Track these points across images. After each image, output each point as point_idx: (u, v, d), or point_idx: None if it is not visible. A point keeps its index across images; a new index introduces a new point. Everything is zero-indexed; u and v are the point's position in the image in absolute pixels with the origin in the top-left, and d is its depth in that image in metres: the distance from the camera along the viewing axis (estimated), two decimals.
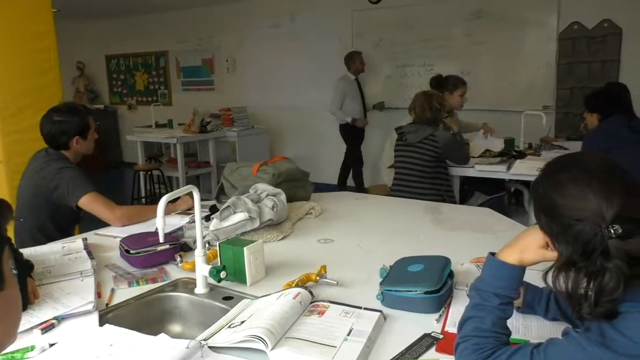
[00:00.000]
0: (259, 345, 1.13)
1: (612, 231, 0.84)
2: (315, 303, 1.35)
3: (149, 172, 6.19)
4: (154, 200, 5.78)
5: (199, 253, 1.49)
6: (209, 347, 1.16)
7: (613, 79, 4.79)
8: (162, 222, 1.32)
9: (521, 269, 1.02)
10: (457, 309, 1.31)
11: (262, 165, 2.36)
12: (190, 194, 1.45)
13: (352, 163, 5.94)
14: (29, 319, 1.32)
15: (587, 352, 0.81)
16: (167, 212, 2.30)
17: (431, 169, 3.18)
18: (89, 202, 2.19)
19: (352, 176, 6.01)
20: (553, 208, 0.93)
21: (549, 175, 0.97)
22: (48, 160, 2.29)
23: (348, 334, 1.19)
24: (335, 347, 1.13)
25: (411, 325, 1.26)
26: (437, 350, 1.15)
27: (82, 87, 9.15)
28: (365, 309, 1.31)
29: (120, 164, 8.91)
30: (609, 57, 4.99)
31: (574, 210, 0.89)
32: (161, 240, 1.35)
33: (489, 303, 1.00)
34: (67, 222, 2.31)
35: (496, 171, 3.38)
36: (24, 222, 2.28)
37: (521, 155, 3.60)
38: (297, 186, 2.38)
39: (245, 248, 1.53)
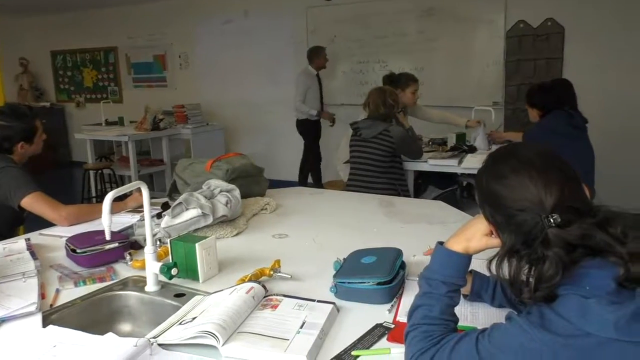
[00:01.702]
0: (210, 340, 1.11)
1: (551, 220, 0.88)
2: (269, 297, 1.34)
3: (100, 171, 6.00)
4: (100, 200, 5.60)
5: (148, 250, 1.45)
6: (159, 345, 1.14)
7: (557, 75, 4.98)
8: (108, 219, 1.28)
9: (467, 257, 1.05)
10: (409, 299, 1.32)
11: (215, 161, 2.32)
12: (139, 190, 1.42)
13: (312, 159, 5.94)
14: None
15: (527, 334, 0.84)
16: (117, 210, 2.24)
17: (386, 164, 3.22)
18: (32, 203, 2.10)
19: (309, 172, 6.02)
20: (496, 199, 0.96)
21: (492, 166, 1.00)
22: None
23: (301, 327, 1.18)
24: (288, 339, 1.13)
25: (364, 316, 1.27)
26: (388, 339, 1.16)
27: (27, 84, 8.76)
28: (318, 301, 1.31)
29: (69, 163, 8.60)
30: (553, 55, 5.19)
31: (516, 201, 0.92)
32: (108, 237, 1.31)
33: (437, 291, 1.02)
34: (9, 223, 2.20)
35: (448, 165, 3.46)
36: None
37: (472, 149, 3.69)
38: (252, 182, 2.36)
39: (197, 244, 1.50)
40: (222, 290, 1.39)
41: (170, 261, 1.54)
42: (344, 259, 1.50)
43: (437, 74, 5.76)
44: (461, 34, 5.60)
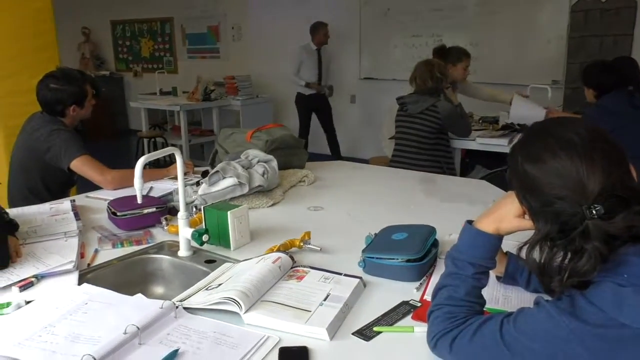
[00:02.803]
0: (233, 307, 1.12)
1: (593, 212, 0.79)
2: (296, 268, 1.33)
3: (153, 140, 6.18)
4: (156, 167, 5.77)
5: (181, 216, 1.47)
6: (184, 308, 1.16)
7: (626, 53, 4.66)
8: (139, 183, 1.30)
9: (497, 238, 0.99)
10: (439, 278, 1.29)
11: (255, 132, 2.32)
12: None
13: (299, 133, 5.89)
14: (8, 277, 1.32)
15: (555, 321, 0.79)
16: (160, 177, 2.29)
17: (432, 141, 3.13)
18: (80, 165, 2.18)
19: (307, 143, 5.92)
20: (531, 182, 0.87)
21: (527, 145, 0.91)
22: (43, 122, 2.27)
23: (325, 299, 1.17)
24: (310, 311, 1.12)
25: (390, 293, 1.24)
26: (413, 317, 1.13)
27: (88, 53, 9.08)
28: (345, 275, 1.29)
29: (126, 131, 8.90)
30: (622, 32, 4.84)
31: (553, 188, 0.83)
32: (139, 201, 1.34)
33: (463, 272, 0.98)
34: (60, 184, 2.30)
35: (498, 145, 3.33)
36: (16, 182, 2.28)
37: (524, 129, 3.52)
38: (291, 154, 2.35)
39: (229, 212, 1.51)
40: (250, 258, 1.39)
41: (204, 228, 1.56)
42: (375, 234, 1.47)
43: (494, 49, 5.51)
44: (522, 7, 5.31)
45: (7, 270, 1.35)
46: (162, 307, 1.12)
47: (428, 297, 1.21)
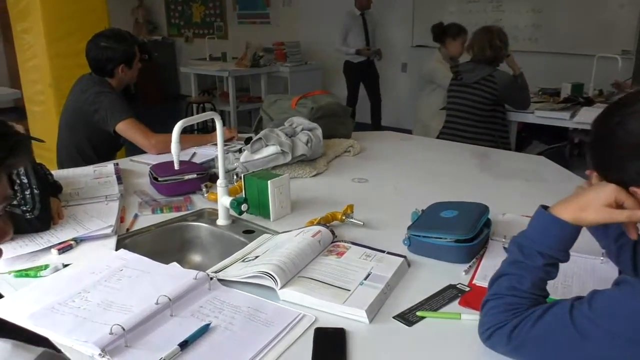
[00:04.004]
0: (268, 282, 1.06)
1: None
2: (336, 243, 1.27)
3: (202, 105, 6.22)
4: (204, 132, 5.82)
5: (221, 183, 1.43)
6: (219, 280, 1.11)
7: None
8: (176, 148, 1.25)
9: (576, 228, 0.85)
10: (491, 262, 1.19)
11: (301, 99, 2.24)
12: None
13: (347, 101, 5.71)
14: (48, 239, 1.32)
15: None
16: (204, 143, 2.27)
17: (486, 112, 2.96)
18: (126, 128, 2.18)
19: (354, 113, 5.75)
20: None
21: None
22: (91, 83, 2.27)
23: (365, 278, 1.10)
24: (349, 290, 1.05)
25: (437, 275, 1.15)
26: (460, 303, 1.04)
27: (141, 18, 9.17)
28: (388, 253, 1.22)
29: (177, 96, 9.01)
30: None
31: None
32: (176, 167, 1.29)
33: (531, 262, 0.86)
34: (106, 147, 2.31)
35: (559, 118, 3.11)
36: (64, 144, 2.31)
37: (589, 102, 3.28)
38: (337, 122, 2.26)
39: (269, 181, 1.45)
40: (289, 230, 1.33)
41: (243, 196, 1.51)
42: (422, 211, 1.38)
43: (558, 16, 5.14)
44: None
45: (48, 232, 1.35)
46: (196, 278, 1.08)
47: (478, 281, 1.12)
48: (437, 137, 3.05)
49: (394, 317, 1.00)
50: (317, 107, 2.19)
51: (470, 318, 0.98)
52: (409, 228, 1.27)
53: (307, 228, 1.29)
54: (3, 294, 1.12)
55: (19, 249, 1.26)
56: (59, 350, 0.89)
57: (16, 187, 1.34)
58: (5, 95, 4.36)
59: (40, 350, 0.59)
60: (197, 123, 6.19)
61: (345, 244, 1.25)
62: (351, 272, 1.12)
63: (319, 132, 1.96)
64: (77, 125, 2.24)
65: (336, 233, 1.31)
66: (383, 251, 1.22)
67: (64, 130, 2.30)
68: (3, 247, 1.26)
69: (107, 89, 2.25)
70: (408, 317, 0.99)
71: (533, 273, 0.86)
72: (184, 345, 0.89)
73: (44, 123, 3.22)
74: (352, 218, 1.40)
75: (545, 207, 0.89)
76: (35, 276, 1.16)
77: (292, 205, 1.54)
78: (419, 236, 1.24)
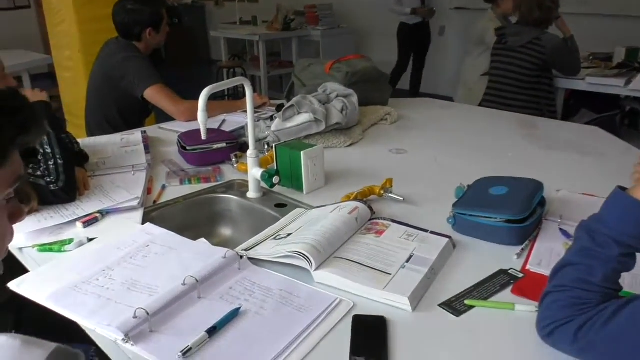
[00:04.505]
0: (302, 263, 0.99)
1: None
2: (375, 221, 1.17)
3: (232, 70, 6.12)
4: (235, 98, 5.75)
5: (251, 154, 1.34)
6: (249, 259, 1.04)
7: None
8: (203, 116, 1.17)
9: None
10: (545, 245, 1.09)
11: (335, 63, 2.12)
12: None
13: (396, 68, 5.45)
14: (74, 211, 1.27)
15: None
16: (233, 110, 2.18)
17: (532, 78, 2.77)
18: (154, 94, 2.11)
19: (393, 78, 5.50)
20: None
21: None
22: (118, 47, 2.20)
23: (407, 260, 1.01)
24: (390, 274, 0.96)
25: (485, 258, 1.05)
26: (513, 291, 0.94)
27: None
28: (432, 232, 1.12)
29: (207, 61, 8.93)
30: None
31: None
32: (203, 137, 1.21)
33: (605, 251, 0.75)
34: (135, 114, 2.25)
35: (611, 85, 2.90)
36: (92, 111, 2.26)
37: None
38: (373, 88, 2.14)
39: (302, 152, 1.36)
40: (324, 205, 1.25)
41: (274, 168, 1.43)
42: (469, 186, 1.26)
43: None
44: None
45: (73, 204, 1.30)
46: (225, 257, 1.01)
47: (532, 267, 1.01)
48: (480, 105, 2.88)
49: (439, 306, 0.91)
50: (352, 72, 2.06)
51: (526, 309, 0.88)
52: (454, 206, 1.17)
53: (343, 204, 1.20)
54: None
55: (43, 222, 1.21)
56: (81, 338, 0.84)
57: (40, 157, 1.29)
58: (38, 61, 4.35)
59: (53, 345, 0.53)
60: (228, 89, 6.11)
61: (385, 222, 1.16)
62: (391, 253, 1.03)
63: (355, 98, 1.85)
64: (105, 92, 2.18)
65: (374, 209, 1.21)
66: (426, 230, 1.12)
67: (92, 97, 2.25)
68: (27, 220, 1.23)
69: (134, 54, 2.17)
70: (455, 306, 0.90)
71: (606, 264, 0.75)
72: (212, 331, 0.83)
73: (74, 89, 3.19)
74: (391, 193, 1.30)
75: (622, 189, 0.77)
76: (59, 251, 1.12)
77: (326, 178, 1.45)
78: (466, 215, 1.14)
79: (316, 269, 0.98)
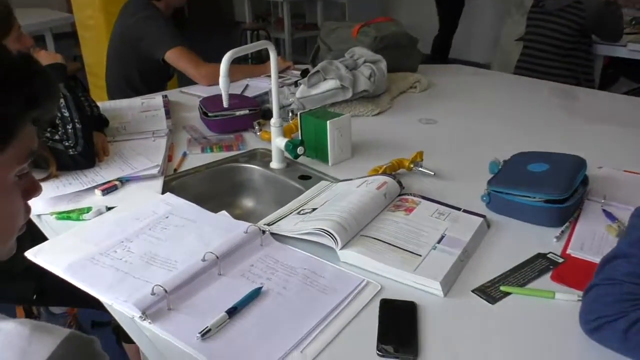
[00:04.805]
0: (327, 240, 0.94)
1: None
2: (404, 197, 1.11)
3: (256, 32, 6.00)
4: (259, 61, 5.65)
5: (274, 123, 1.28)
6: (271, 234, 1.00)
7: None
8: (225, 83, 1.11)
9: None
10: (587, 227, 1.01)
11: (363, 27, 2.02)
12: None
13: (441, 31, 5.20)
14: (93, 178, 1.24)
15: None
16: (257, 74, 2.11)
17: (569, 44, 2.61)
18: (175, 57, 2.04)
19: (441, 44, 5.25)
20: None
21: None
22: (137, 7, 2.13)
23: (439, 241, 0.95)
24: (420, 256, 0.91)
25: (522, 240, 0.99)
26: (552, 278, 0.88)
27: None
28: (465, 211, 1.06)
29: (231, 22, 8.77)
30: None
31: None
32: (225, 104, 1.15)
33: None
34: (155, 77, 2.19)
35: None
36: (113, 73, 2.22)
37: None
38: (402, 54, 2.04)
39: (328, 121, 1.30)
40: (351, 179, 1.19)
41: (299, 137, 1.37)
42: (504, 162, 1.19)
43: None
44: None
45: (92, 170, 1.27)
46: (246, 232, 0.97)
47: (573, 251, 0.94)
48: (514, 72, 2.75)
49: (472, 291, 0.85)
50: (380, 36, 1.96)
51: (567, 298, 0.82)
52: (489, 182, 1.10)
53: (370, 178, 1.14)
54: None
55: (62, 188, 1.19)
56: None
57: (58, 121, 1.25)
58: (61, 20, 4.30)
59: (65, 332, 0.49)
60: (251, 55, 6.00)
61: (415, 198, 1.10)
62: (422, 232, 0.98)
63: (383, 65, 1.76)
64: (124, 53, 2.13)
65: (403, 184, 1.15)
66: (459, 209, 1.06)
67: (112, 59, 2.20)
68: (46, 185, 1.20)
69: (154, 13, 2.10)
70: (490, 292, 0.85)
71: None
72: (232, 312, 0.79)
73: (95, 50, 3.14)
74: (422, 167, 1.23)
75: None
76: (77, 219, 1.09)
77: (352, 148, 1.39)
78: (501, 192, 1.07)
79: (342, 247, 0.93)
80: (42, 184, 1.14)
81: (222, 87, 1.11)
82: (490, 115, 1.71)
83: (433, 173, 1.22)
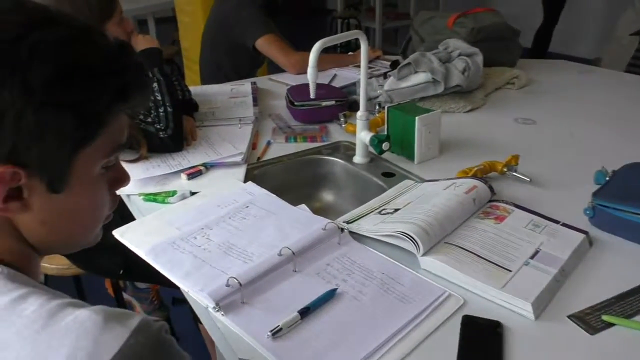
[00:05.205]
0: (408, 245, 0.89)
1: None
2: (495, 203, 1.03)
3: (346, 21, 5.95)
4: (347, 50, 5.61)
5: (360, 116, 1.24)
6: (350, 233, 0.96)
7: None
8: (312, 74, 1.08)
9: None
10: None
11: (460, 17, 1.91)
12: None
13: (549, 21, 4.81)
14: (179, 162, 1.26)
15: None
16: (345, 64, 2.07)
17: None
18: (265, 44, 2.06)
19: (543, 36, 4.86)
20: None
21: None
22: None
23: (532, 257, 0.87)
24: (510, 271, 0.83)
25: (631, 264, 0.88)
26: None
27: None
28: (564, 224, 0.96)
29: (322, 10, 8.78)
30: None
31: None
32: (312, 95, 1.13)
33: None
34: (246, 62, 2.22)
35: None
36: (206, 58, 2.27)
37: None
38: (501, 47, 1.90)
39: (417, 117, 1.23)
40: (437, 180, 1.12)
41: (385, 132, 1.32)
42: (614, 172, 1.07)
43: None
44: None
45: (180, 154, 1.30)
46: (325, 229, 0.94)
47: None
48: (626, 70, 2.50)
49: (568, 317, 0.77)
50: (478, 28, 1.85)
51: None
52: (594, 194, 0.99)
53: (459, 180, 1.07)
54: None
55: (151, 170, 1.22)
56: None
57: (150, 104, 1.29)
58: (163, 4, 4.48)
59: (135, 322, 0.48)
60: (340, 44, 5.96)
61: (507, 206, 1.02)
62: (513, 245, 0.90)
63: (479, 58, 1.65)
64: (217, 39, 2.17)
65: (495, 189, 1.07)
66: (557, 221, 0.96)
67: (206, 44, 2.25)
68: (136, 167, 1.24)
69: (248, 1, 2.11)
70: (589, 321, 0.76)
71: None
72: (305, 312, 0.76)
73: (192, 34, 3.24)
74: (516, 172, 1.14)
75: None
76: (163, 202, 1.11)
77: (440, 147, 1.32)
78: (609, 207, 0.96)
79: (424, 254, 0.87)
80: (132, 165, 1.19)
81: (310, 77, 1.09)
82: (598, 118, 1.55)
83: (529, 179, 1.13)
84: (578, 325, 0.75)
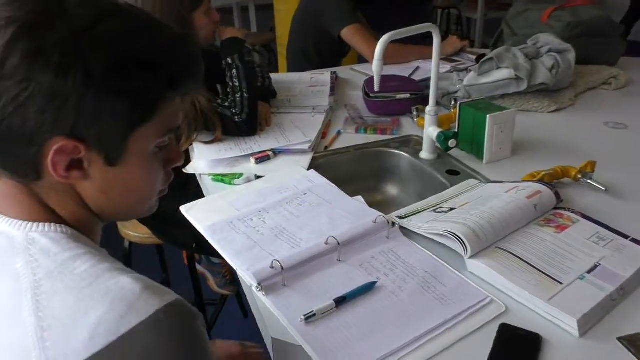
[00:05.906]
0: (456, 246, 0.87)
1: None
2: (560, 211, 0.98)
3: (446, 10, 5.78)
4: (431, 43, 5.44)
5: (429, 111, 1.23)
6: (400, 228, 0.96)
7: None
8: (378, 66, 1.08)
9: None
10: None
11: (556, 10, 1.80)
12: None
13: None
14: (251, 146, 1.32)
15: None
16: (430, 56, 2.02)
17: None
18: (350, 34, 2.07)
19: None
20: None
21: None
22: None
23: (589, 271, 0.82)
24: (562, 284, 0.79)
25: None
26: None
27: None
28: (633, 240, 0.89)
29: (423, 0, 8.56)
30: None
31: None
32: (376, 88, 1.13)
33: None
34: (331, 51, 2.24)
35: None
36: (292, 45, 2.33)
37: None
38: (601, 44, 1.77)
39: (489, 115, 1.19)
40: (502, 182, 1.09)
41: (455, 129, 1.28)
42: None
43: None
44: None
45: (252, 138, 1.36)
46: (375, 222, 0.95)
47: None
48: None
49: (618, 339, 0.72)
50: (575, 22, 1.73)
51: None
52: None
53: (523, 184, 1.02)
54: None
55: (223, 152, 1.29)
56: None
57: (229, 90, 1.36)
58: None
59: (171, 298, 0.53)
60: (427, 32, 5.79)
61: (572, 215, 0.96)
62: (571, 257, 0.85)
63: (571, 55, 1.55)
64: (306, 28, 2.21)
65: (562, 196, 1.01)
66: (626, 237, 0.90)
67: (294, 32, 2.31)
68: (210, 148, 1.32)
69: None
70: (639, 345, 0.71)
71: None
72: (341, 302, 0.78)
73: (285, 22, 3.30)
74: (591, 179, 1.07)
75: None
76: (229, 183, 1.18)
77: (514, 147, 1.26)
78: None
79: (471, 256, 0.85)
80: (207, 147, 1.26)
81: (375, 70, 1.09)
82: None
83: (605, 189, 1.05)
84: (628, 349, 0.70)
